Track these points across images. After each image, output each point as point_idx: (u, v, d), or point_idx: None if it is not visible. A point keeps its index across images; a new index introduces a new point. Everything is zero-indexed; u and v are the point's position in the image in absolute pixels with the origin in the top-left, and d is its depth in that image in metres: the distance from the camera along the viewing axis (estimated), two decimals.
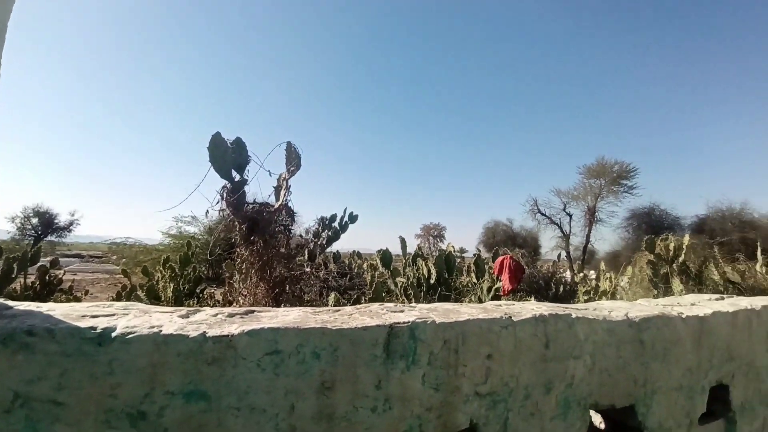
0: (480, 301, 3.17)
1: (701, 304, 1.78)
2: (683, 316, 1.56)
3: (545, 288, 5.10)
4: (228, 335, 0.88)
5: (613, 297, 4.19)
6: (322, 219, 7.25)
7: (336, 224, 7.38)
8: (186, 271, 5.36)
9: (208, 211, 2.46)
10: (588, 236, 20.24)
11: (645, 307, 1.59)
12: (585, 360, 1.30)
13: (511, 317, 1.16)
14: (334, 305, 2.34)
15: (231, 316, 1.01)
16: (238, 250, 2.26)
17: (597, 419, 1.63)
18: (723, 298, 1.96)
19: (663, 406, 1.50)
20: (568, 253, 19.99)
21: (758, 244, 4.40)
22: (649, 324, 1.45)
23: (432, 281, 3.21)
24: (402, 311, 1.13)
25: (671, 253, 3.73)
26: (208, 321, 0.95)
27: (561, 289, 5.02)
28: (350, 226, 7.56)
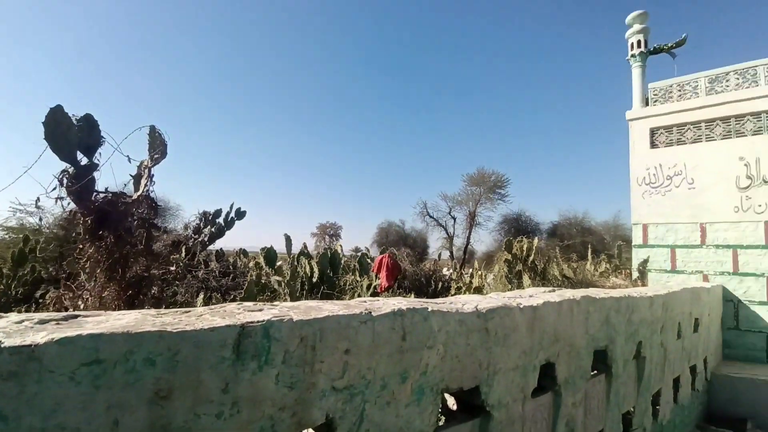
0: (359, 297, 3.25)
1: (537, 296, 2.11)
2: (521, 306, 1.83)
3: (426, 285, 5.51)
4: (30, 345, 0.74)
5: (479, 291, 4.75)
6: (205, 214, 6.68)
7: (221, 220, 6.89)
8: (21, 271, 4.43)
9: (39, 200, 2.04)
10: (468, 238, 22.44)
11: (493, 299, 1.82)
12: (438, 349, 1.43)
13: (371, 312, 1.21)
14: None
15: (43, 322, 0.86)
16: (82, 246, 1.92)
17: (451, 401, 1.80)
18: (554, 291, 2.35)
19: (502, 384, 1.73)
20: (451, 252, 21.86)
21: (589, 246, 5.39)
22: (493, 314, 1.66)
23: (314, 279, 3.19)
24: (260, 310, 1.09)
25: (524, 253, 4.40)
26: (8, 329, 0.79)
27: (440, 285, 5.49)
28: (237, 222, 7.11)
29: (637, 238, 6.76)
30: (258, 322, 0.97)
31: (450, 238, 22.96)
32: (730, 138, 6.13)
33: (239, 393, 0.94)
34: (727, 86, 6.24)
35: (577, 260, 5.78)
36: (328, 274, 3.34)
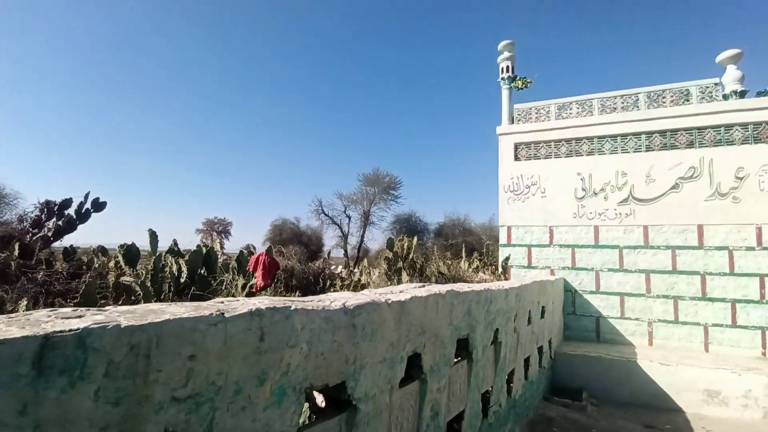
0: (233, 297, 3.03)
1: (407, 292, 2.24)
2: (389, 301, 1.92)
3: (314, 283, 5.47)
4: None
5: (365, 288, 4.89)
6: (48, 204, 5.62)
7: (71, 212, 5.88)
8: None
9: None
10: (362, 236, 22.97)
11: (362, 296, 1.88)
12: (302, 347, 1.41)
13: (223, 313, 1.14)
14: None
15: None
16: None
17: (320, 398, 1.81)
18: (424, 286, 2.53)
19: (369, 377, 1.79)
20: (345, 251, 22.10)
21: (463, 245, 5.97)
22: (361, 310, 1.71)
23: (183, 280, 2.89)
24: (80, 316, 0.94)
25: (404, 251, 4.69)
26: None
27: (327, 283, 5.51)
28: (99, 216, 6.16)
29: (503, 238, 7.73)
30: (70, 331, 0.83)
31: (345, 236, 23.21)
32: (572, 157, 7.41)
33: (43, 415, 0.80)
34: (570, 113, 7.53)
35: (452, 258, 6.41)
36: (201, 274, 3.05)
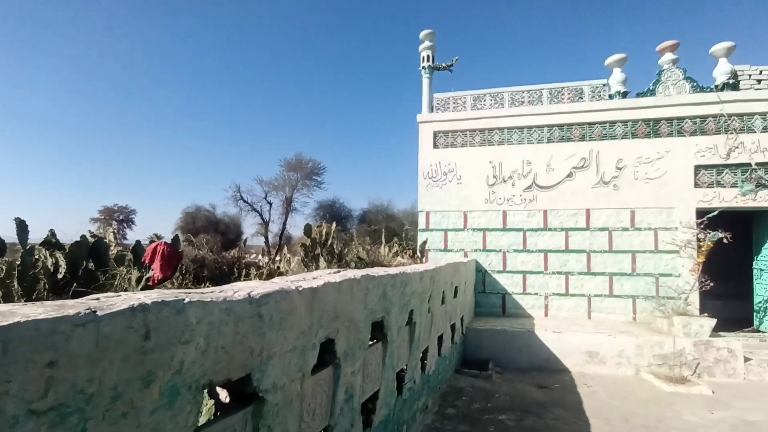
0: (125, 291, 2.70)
1: (320, 278, 2.21)
2: (300, 288, 1.87)
3: (229, 273, 5.17)
4: None
5: (283, 275, 4.76)
6: None
7: None
8: None
9: None
10: (284, 223, 22.28)
11: (271, 284, 1.81)
12: (198, 343, 1.31)
13: (95, 312, 1.01)
14: None
15: None
16: None
17: (224, 394, 1.72)
18: (339, 272, 2.52)
19: (278, 367, 1.74)
20: (266, 238, 21.29)
21: (383, 231, 6.08)
22: (268, 299, 1.65)
23: (61, 275, 2.51)
24: None
25: (323, 237, 4.67)
26: None
27: (243, 272, 5.24)
28: None
29: (421, 223, 8.05)
30: None
31: (266, 223, 22.31)
32: (485, 146, 7.90)
33: None
34: (484, 105, 8.00)
35: (372, 243, 6.56)
36: (88, 268, 2.66)
